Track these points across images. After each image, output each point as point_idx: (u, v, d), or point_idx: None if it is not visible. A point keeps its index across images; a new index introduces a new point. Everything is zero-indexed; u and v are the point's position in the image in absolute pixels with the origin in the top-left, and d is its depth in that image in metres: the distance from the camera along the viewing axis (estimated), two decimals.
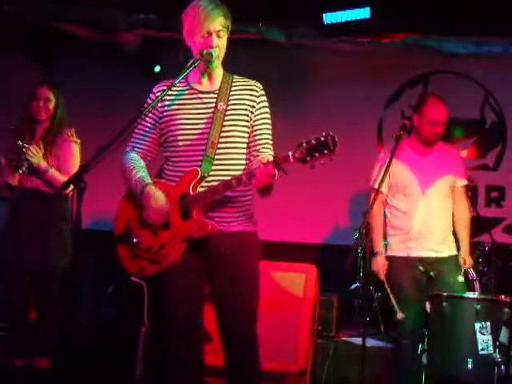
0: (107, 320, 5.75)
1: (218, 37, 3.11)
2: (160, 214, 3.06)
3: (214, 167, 3.10)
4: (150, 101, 3.18)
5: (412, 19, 5.35)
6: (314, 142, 2.75)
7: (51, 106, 4.48)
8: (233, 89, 3.19)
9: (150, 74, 6.37)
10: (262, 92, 3.23)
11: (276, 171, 2.85)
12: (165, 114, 3.18)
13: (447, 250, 4.42)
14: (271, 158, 2.92)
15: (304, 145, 2.76)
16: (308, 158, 2.75)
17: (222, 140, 3.12)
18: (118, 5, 5.55)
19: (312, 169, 2.79)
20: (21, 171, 4.31)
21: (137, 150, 3.25)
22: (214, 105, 3.14)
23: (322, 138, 2.74)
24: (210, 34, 3.09)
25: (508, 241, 5.84)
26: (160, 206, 3.06)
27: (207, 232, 3.05)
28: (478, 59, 5.86)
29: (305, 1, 5.38)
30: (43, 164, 4.32)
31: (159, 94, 3.14)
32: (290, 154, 2.80)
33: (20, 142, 4.30)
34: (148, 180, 3.14)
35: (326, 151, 2.73)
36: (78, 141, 4.48)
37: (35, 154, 4.30)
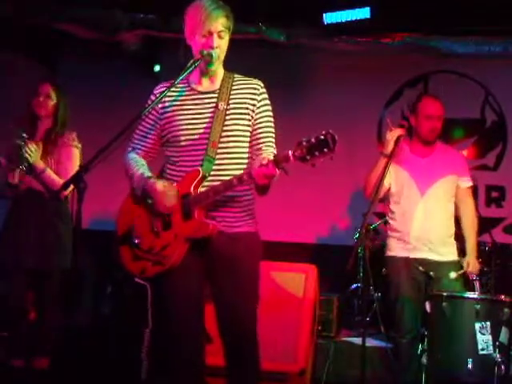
0: (107, 320, 5.75)
1: (219, 37, 3.10)
2: (170, 200, 3.06)
3: (215, 167, 3.10)
4: (150, 102, 3.18)
5: (412, 19, 5.34)
6: (313, 140, 2.74)
7: (51, 103, 4.47)
8: (233, 88, 3.18)
9: (151, 74, 6.38)
10: (263, 90, 3.23)
11: (276, 170, 2.86)
12: (165, 114, 3.19)
13: (447, 253, 4.39)
14: (271, 157, 2.91)
15: (304, 143, 2.75)
16: (308, 157, 2.74)
17: (222, 140, 3.11)
18: (119, 5, 5.55)
19: (313, 167, 2.77)
20: (20, 168, 4.29)
21: (138, 150, 3.28)
22: (214, 104, 3.15)
23: (322, 137, 2.73)
24: (210, 34, 3.08)
25: (508, 241, 5.84)
26: (168, 192, 3.06)
27: (208, 232, 3.06)
28: (478, 59, 5.86)
29: (305, 1, 5.38)
30: (40, 163, 4.31)
31: (159, 94, 3.15)
32: (290, 152, 2.79)
33: (19, 140, 4.29)
34: (150, 174, 3.17)
35: (326, 150, 2.72)
36: (80, 146, 4.46)
37: (33, 152, 4.28)
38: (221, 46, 3.12)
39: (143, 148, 3.27)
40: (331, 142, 2.71)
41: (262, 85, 3.24)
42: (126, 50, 6.09)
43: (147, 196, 3.13)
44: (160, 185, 3.09)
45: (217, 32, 3.09)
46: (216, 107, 3.14)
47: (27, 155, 4.26)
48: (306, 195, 6.39)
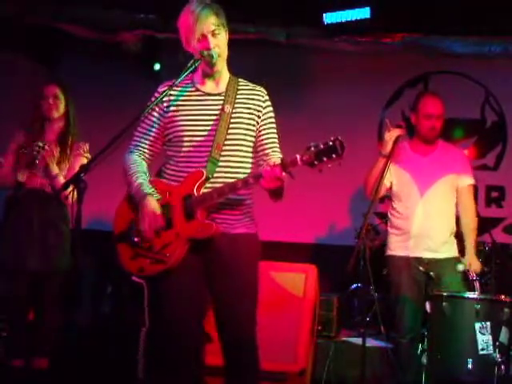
0: (107, 320, 5.74)
1: (214, 36, 3.08)
2: (153, 227, 3.07)
3: (218, 169, 3.10)
4: (154, 99, 3.17)
5: (412, 19, 5.34)
6: (322, 146, 2.76)
7: (61, 104, 4.48)
8: (239, 92, 3.19)
9: (151, 74, 6.38)
10: (267, 97, 3.25)
11: (283, 174, 2.86)
12: (169, 112, 3.18)
13: (446, 251, 4.40)
14: (279, 161, 2.92)
15: (312, 149, 2.77)
16: (316, 162, 2.77)
17: (227, 142, 3.12)
18: (119, 5, 5.55)
19: (320, 173, 2.80)
20: (34, 170, 4.29)
21: (140, 148, 3.25)
22: (220, 107, 3.14)
23: (331, 143, 2.75)
24: (204, 36, 3.07)
25: (508, 241, 5.83)
26: (154, 220, 3.06)
27: (211, 233, 3.06)
28: (478, 59, 5.85)
29: (305, 1, 5.38)
30: (55, 169, 4.32)
31: (162, 93, 3.14)
32: (298, 157, 2.81)
33: (40, 143, 4.27)
34: (147, 190, 3.13)
35: (334, 155, 2.75)
36: (89, 156, 4.47)
37: (54, 157, 4.30)
38: (219, 45, 3.11)
39: (146, 146, 3.24)
40: (339, 147, 2.74)
41: (266, 92, 3.26)
42: (126, 50, 6.09)
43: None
44: (151, 211, 3.06)
45: (210, 32, 3.07)
46: (222, 110, 3.13)
47: (48, 159, 4.27)
48: (306, 195, 6.37)
